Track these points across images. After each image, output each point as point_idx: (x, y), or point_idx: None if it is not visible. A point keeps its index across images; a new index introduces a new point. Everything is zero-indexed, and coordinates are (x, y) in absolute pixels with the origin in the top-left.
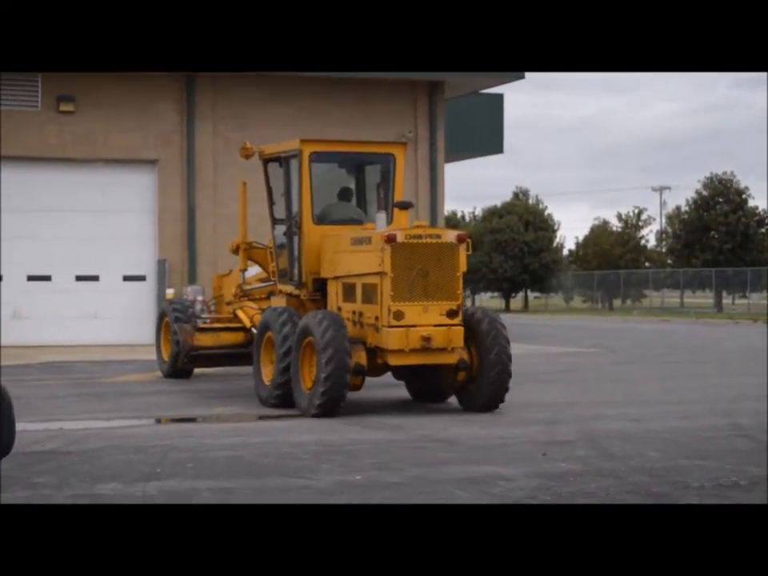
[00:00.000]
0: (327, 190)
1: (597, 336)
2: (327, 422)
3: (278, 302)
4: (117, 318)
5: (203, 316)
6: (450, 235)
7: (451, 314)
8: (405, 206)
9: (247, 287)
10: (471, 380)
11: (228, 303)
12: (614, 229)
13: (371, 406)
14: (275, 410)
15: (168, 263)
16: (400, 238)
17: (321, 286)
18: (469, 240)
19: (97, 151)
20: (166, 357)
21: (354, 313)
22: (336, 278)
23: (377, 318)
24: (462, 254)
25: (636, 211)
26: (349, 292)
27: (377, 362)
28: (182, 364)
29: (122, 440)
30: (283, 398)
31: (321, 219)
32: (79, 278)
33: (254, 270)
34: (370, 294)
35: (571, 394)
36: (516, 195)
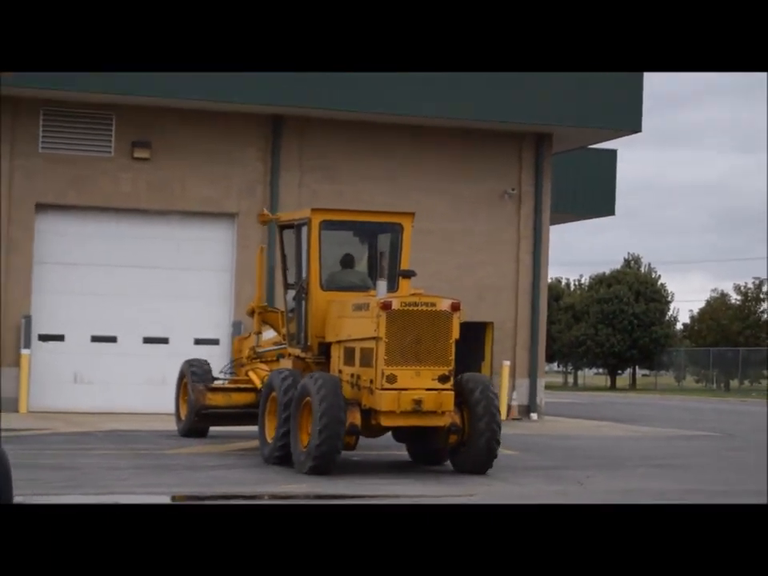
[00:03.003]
0: (338, 257)
1: (712, 419)
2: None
3: (286, 364)
4: None
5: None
6: (445, 303)
7: (443, 378)
8: (407, 274)
9: (260, 350)
10: (463, 443)
11: (241, 365)
12: (733, 301)
13: (368, 467)
14: (352, 490)
15: (243, 326)
16: (395, 305)
17: (326, 349)
18: (461, 309)
19: (172, 202)
20: (182, 416)
21: (352, 376)
22: (338, 341)
23: (371, 381)
24: (456, 321)
25: (756, 283)
26: (349, 356)
27: (371, 423)
28: (191, 423)
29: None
30: (283, 456)
31: (328, 285)
32: (147, 340)
33: (271, 333)
34: (366, 358)
35: (687, 482)
36: (627, 263)
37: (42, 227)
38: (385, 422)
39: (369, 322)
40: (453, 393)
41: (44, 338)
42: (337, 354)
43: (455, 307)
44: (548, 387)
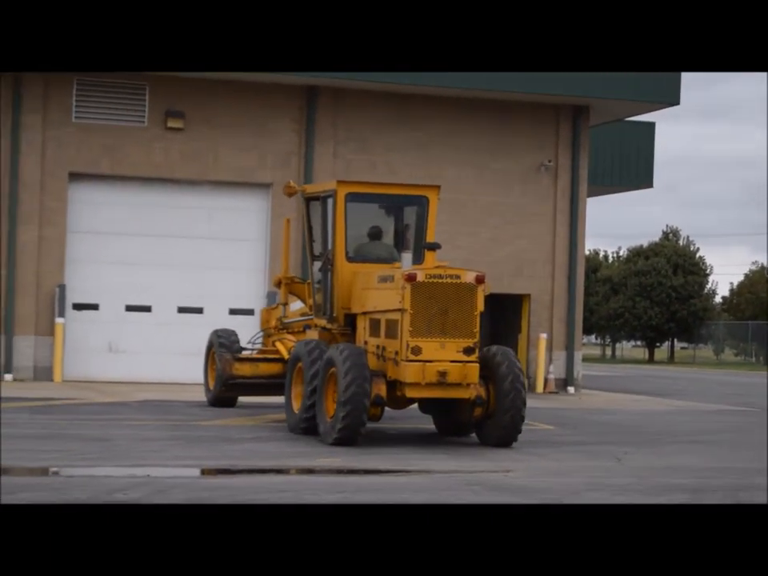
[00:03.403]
0: (364, 230)
1: (750, 393)
2: (444, 479)
3: (312, 335)
4: None
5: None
6: (470, 276)
7: (468, 350)
8: (432, 246)
9: (287, 320)
10: (488, 416)
11: (268, 336)
12: None
13: (396, 439)
14: (384, 464)
15: (278, 297)
16: (420, 277)
17: (351, 320)
18: (485, 282)
19: (206, 172)
20: (210, 386)
21: (377, 347)
22: (364, 313)
23: (396, 353)
24: (480, 294)
25: None
26: (374, 327)
27: (396, 395)
28: (219, 392)
29: (212, 493)
30: (310, 426)
31: (354, 257)
32: (181, 310)
33: (298, 304)
34: (391, 330)
35: (722, 459)
36: (665, 235)
37: (75, 197)
38: (410, 393)
39: (394, 294)
40: (478, 365)
41: (78, 306)
42: (362, 326)
43: (480, 280)
44: (585, 360)
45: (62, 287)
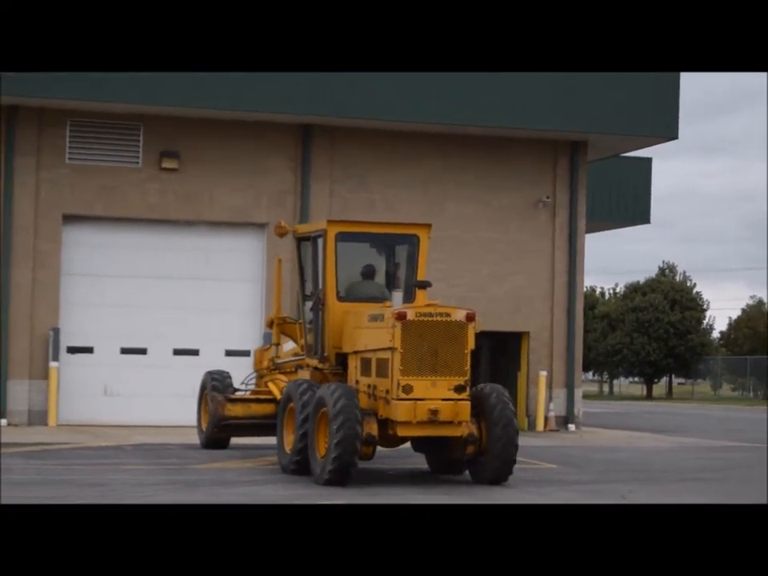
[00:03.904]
0: (355, 269)
1: (750, 429)
2: None
3: (304, 375)
4: None
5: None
6: (460, 314)
7: (459, 389)
8: (423, 285)
9: (279, 361)
10: (480, 453)
11: (261, 376)
12: None
13: (388, 478)
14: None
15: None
16: (410, 316)
17: (342, 360)
18: (478, 319)
19: (201, 212)
20: (203, 427)
21: (369, 386)
22: (355, 352)
23: (387, 392)
24: (471, 331)
25: None
26: (365, 366)
27: (388, 433)
28: (212, 433)
29: None
30: (301, 465)
31: (345, 296)
32: (177, 352)
33: (291, 345)
34: (382, 369)
35: (729, 497)
36: (662, 271)
37: (69, 239)
38: (401, 432)
39: (384, 333)
40: (469, 403)
41: (73, 350)
42: (354, 365)
43: (470, 317)
44: (584, 397)
45: (56, 330)
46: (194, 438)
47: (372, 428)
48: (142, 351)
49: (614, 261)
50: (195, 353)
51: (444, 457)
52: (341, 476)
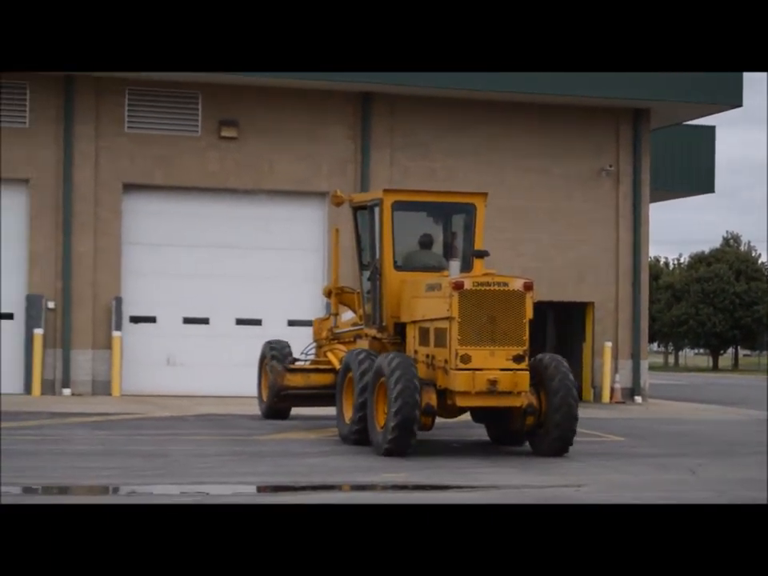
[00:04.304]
0: (413, 238)
1: None
2: (513, 494)
3: (363, 344)
4: None
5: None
6: (518, 283)
7: (517, 358)
8: (481, 254)
9: (338, 331)
10: (540, 424)
11: (320, 346)
12: None
13: (449, 449)
14: (451, 478)
15: (341, 308)
16: (467, 285)
17: (401, 330)
18: (534, 289)
19: (261, 181)
20: (264, 397)
21: (427, 356)
22: (413, 322)
23: (446, 361)
24: (529, 301)
25: None
26: (423, 336)
27: (446, 404)
28: (272, 403)
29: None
30: (361, 435)
31: (402, 265)
32: (240, 322)
33: (350, 314)
34: (440, 338)
35: None
36: (726, 241)
37: (129, 208)
38: (460, 402)
39: (442, 302)
40: (528, 373)
41: (135, 319)
42: (412, 335)
43: (528, 287)
44: (649, 368)
45: (119, 300)
46: (257, 409)
47: (431, 398)
48: (205, 321)
49: (677, 231)
50: (258, 322)
51: (504, 427)
52: (400, 446)
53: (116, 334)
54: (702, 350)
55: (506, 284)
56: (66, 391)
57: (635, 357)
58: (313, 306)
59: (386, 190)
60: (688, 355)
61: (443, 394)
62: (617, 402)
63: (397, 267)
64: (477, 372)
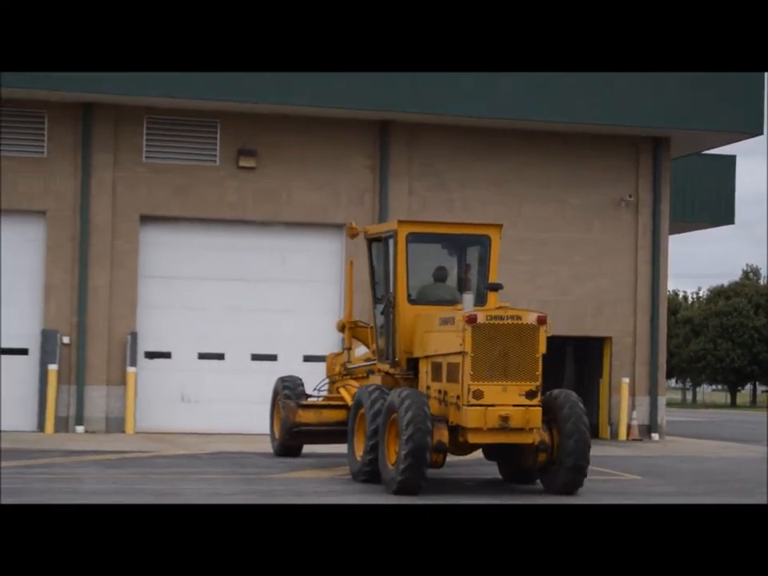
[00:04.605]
0: (427, 270)
1: None
2: None
3: (375, 380)
4: None
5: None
6: (531, 317)
7: (530, 394)
8: (494, 287)
9: (351, 366)
10: (552, 461)
11: (333, 382)
12: None
13: (460, 487)
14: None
15: (354, 342)
16: (480, 319)
17: (414, 365)
18: (549, 323)
19: (279, 212)
20: (276, 434)
21: (439, 392)
22: (426, 357)
23: (458, 397)
24: (543, 335)
25: None
26: (436, 371)
27: (458, 440)
28: (284, 440)
29: None
30: (372, 473)
31: (416, 299)
32: (255, 357)
33: (364, 349)
34: (453, 373)
35: None
36: (746, 274)
37: (146, 239)
38: (472, 439)
39: (455, 336)
40: (540, 409)
41: (150, 355)
42: (425, 370)
43: (542, 320)
44: (667, 404)
45: (134, 335)
46: (269, 446)
47: (443, 435)
48: (220, 356)
49: (695, 264)
50: (273, 358)
51: (516, 465)
52: (411, 483)
53: (131, 369)
54: (719, 387)
55: (519, 317)
56: (80, 428)
57: (653, 393)
58: (329, 340)
59: (400, 222)
60: (705, 391)
61: (455, 430)
62: (634, 440)
63: (411, 301)
64: (489, 408)
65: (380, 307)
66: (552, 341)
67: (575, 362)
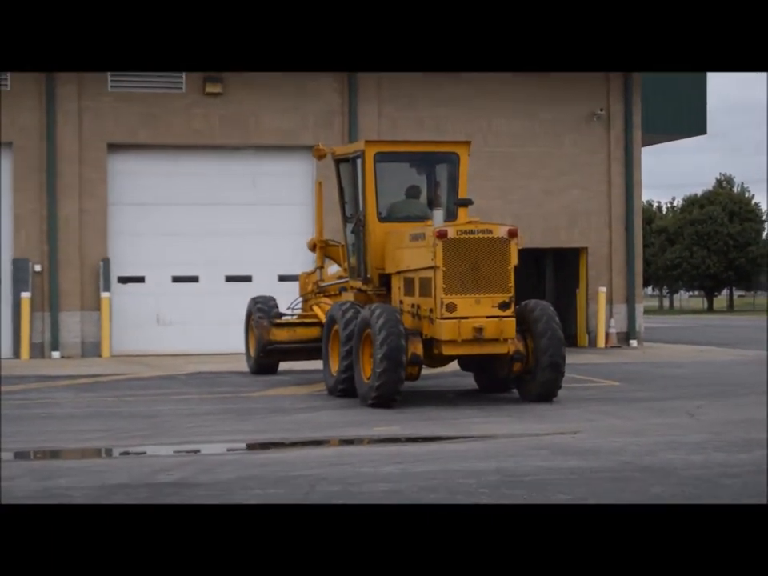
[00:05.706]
0: (397, 189)
1: None
2: (509, 443)
3: (348, 297)
4: None
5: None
6: (502, 230)
7: (503, 305)
8: (464, 203)
9: (323, 284)
10: (527, 370)
11: (306, 300)
12: None
13: (438, 398)
14: (444, 430)
15: (326, 261)
16: (451, 234)
17: (386, 281)
18: (520, 236)
19: (247, 137)
20: (251, 353)
21: (412, 306)
22: (398, 272)
23: (431, 311)
24: (514, 248)
25: None
26: (408, 286)
27: (433, 353)
28: (259, 358)
29: (262, 469)
30: (348, 388)
31: (386, 216)
32: (229, 279)
33: (336, 268)
34: (425, 288)
35: None
36: (719, 183)
37: (114, 168)
38: (446, 350)
39: (426, 252)
40: (514, 320)
41: (124, 279)
42: (397, 285)
43: (512, 234)
44: (644, 312)
45: (106, 261)
46: (246, 365)
47: (417, 347)
48: (194, 279)
49: (669, 175)
50: (248, 279)
51: (492, 375)
52: (387, 394)
53: (104, 294)
54: (696, 293)
55: (489, 231)
56: (56, 354)
57: (630, 301)
58: (302, 260)
59: (367, 142)
60: (683, 298)
61: (429, 343)
62: (612, 347)
63: (380, 218)
64: (462, 320)
65: (350, 226)
66: (531, 253)
67: (555, 274)
